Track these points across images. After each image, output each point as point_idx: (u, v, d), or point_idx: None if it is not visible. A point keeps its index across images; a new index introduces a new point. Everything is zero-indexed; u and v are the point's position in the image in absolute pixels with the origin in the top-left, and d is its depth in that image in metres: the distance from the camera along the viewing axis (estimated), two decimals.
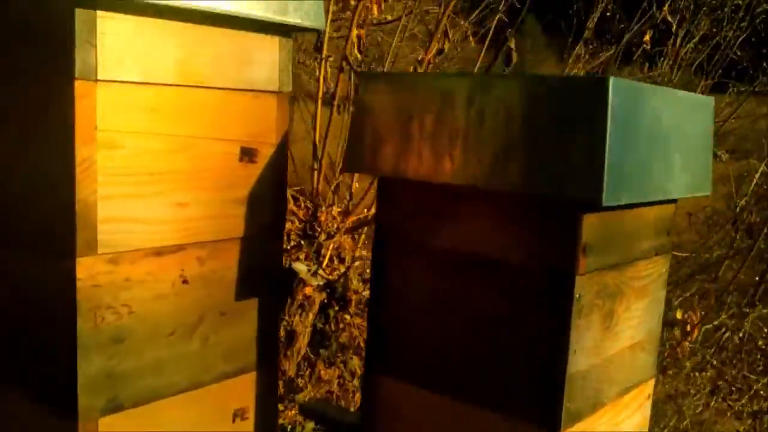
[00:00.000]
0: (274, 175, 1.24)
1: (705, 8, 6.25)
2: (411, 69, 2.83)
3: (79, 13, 0.98)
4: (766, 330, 3.45)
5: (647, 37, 3.04)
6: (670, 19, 2.94)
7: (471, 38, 2.86)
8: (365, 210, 2.63)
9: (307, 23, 1.20)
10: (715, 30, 6.07)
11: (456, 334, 1.17)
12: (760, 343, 3.36)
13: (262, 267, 1.25)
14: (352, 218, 2.54)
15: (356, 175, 2.83)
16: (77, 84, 0.98)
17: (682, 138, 1.18)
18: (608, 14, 4.57)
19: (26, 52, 1.04)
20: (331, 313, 2.33)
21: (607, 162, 0.99)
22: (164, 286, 1.12)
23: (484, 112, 1.08)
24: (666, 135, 1.13)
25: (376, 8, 2.55)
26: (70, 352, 1.03)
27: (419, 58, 2.47)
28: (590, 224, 1.05)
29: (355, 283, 2.38)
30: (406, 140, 1.16)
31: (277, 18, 1.16)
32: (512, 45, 2.19)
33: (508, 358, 1.11)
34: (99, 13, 0.99)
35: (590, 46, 4.55)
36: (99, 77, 1.00)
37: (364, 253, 2.63)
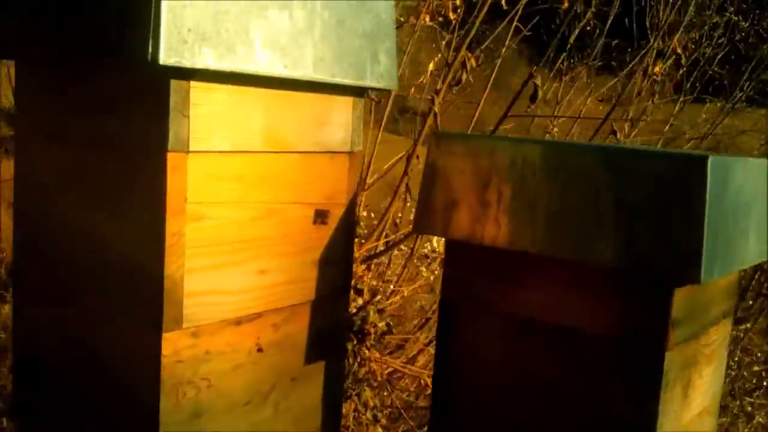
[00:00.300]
0: (344, 236, 1.21)
1: (685, 25, 6.35)
2: (410, 92, 2.82)
3: (174, 84, 0.94)
4: (759, 353, 3.51)
5: (657, 68, 3.06)
6: (680, 51, 2.96)
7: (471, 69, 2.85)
8: (377, 238, 2.61)
9: (381, 85, 1.18)
10: (693, 47, 6.19)
11: (529, 402, 1.16)
12: (756, 368, 3.41)
13: (331, 329, 1.23)
14: (367, 246, 2.52)
15: (363, 201, 2.80)
16: (170, 156, 0.95)
17: (757, 206, 1.18)
18: (588, 28, 4.62)
19: (118, 123, 1.00)
20: (350, 346, 2.31)
21: (705, 239, 0.99)
22: (241, 356, 1.09)
23: (570, 183, 1.07)
24: (745, 205, 1.14)
25: None
26: (151, 431, 1.00)
27: (437, 88, 2.46)
28: (680, 298, 1.05)
29: (372, 316, 2.36)
30: (483, 206, 1.15)
31: (357, 83, 1.14)
32: (538, 81, 2.19)
33: (586, 431, 1.10)
34: (193, 83, 0.96)
35: (572, 61, 4.59)
36: (190, 149, 0.97)
37: (374, 282, 2.61)
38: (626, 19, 5.96)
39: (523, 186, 1.11)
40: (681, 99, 6.05)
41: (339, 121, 1.18)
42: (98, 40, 0.94)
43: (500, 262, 1.17)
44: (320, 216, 1.17)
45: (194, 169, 0.98)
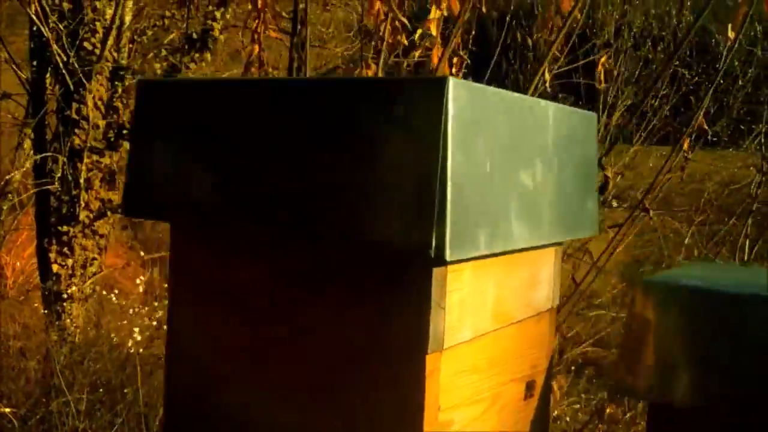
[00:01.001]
0: (545, 405, 1.05)
1: (632, 79, 6.54)
2: None
3: (436, 274, 0.77)
4: None
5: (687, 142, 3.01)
6: (706, 127, 2.94)
7: None
8: None
9: (587, 233, 1.04)
10: (640, 98, 6.35)
11: None
12: None
13: None
14: None
15: None
16: (428, 359, 0.77)
17: None
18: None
19: (349, 313, 0.81)
20: None
21: None
22: None
23: None
24: None
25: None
26: None
27: None
28: None
29: None
30: (716, 370, 1.01)
31: (574, 236, 0.99)
32: (609, 173, 2.09)
33: None
34: (450, 267, 0.79)
35: None
36: (444, 345, 0.80)
37: None
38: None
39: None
40: (633, 149, 6.19)
41: (545, 276, 1.02)
42: (352, 229, 0.75)
43: (732, 428, 1.03)
44: (529, 389, 1.00)
45: (445, 368, 0.80)
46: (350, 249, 0.79)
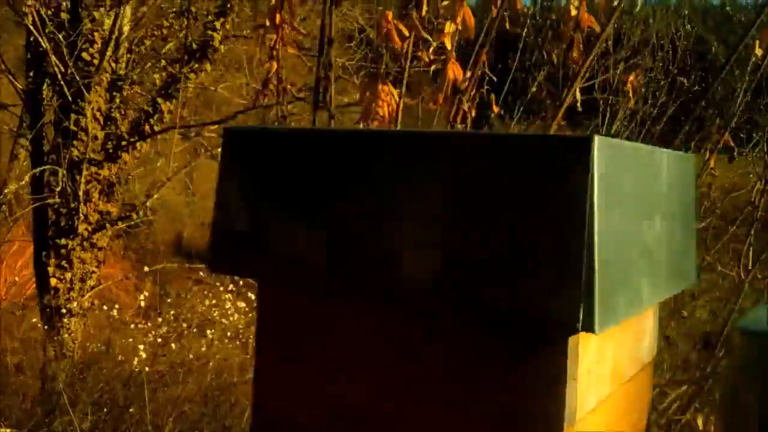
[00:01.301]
0: None
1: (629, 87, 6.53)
2: None
3: (571, 343, 0.71)
4: None
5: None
6: (733, 144, 2.92)
7: None
8: None
9: (688, 283, 0.99)
10: (639, 106, 6.35)
11: None
12: None
13: None
14: None
15: None
16: None
17: None
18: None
19: (490, 394, 0.75)
20: None
21: None
22: None
23: None
24: None
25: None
26: None
27: None
28: None
29: None
30: None
31: (682, 288, 0.94)
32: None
33: None
34: (582, 334, 0.73)
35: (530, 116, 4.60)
36: (576, 419, 0.74)
37: None
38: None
39: None
40: None
41: (648, 327, 0.97)
42: (483, 295, 0.70)
43: None
44: None
45: None
46: (477, 316, 0.73)
